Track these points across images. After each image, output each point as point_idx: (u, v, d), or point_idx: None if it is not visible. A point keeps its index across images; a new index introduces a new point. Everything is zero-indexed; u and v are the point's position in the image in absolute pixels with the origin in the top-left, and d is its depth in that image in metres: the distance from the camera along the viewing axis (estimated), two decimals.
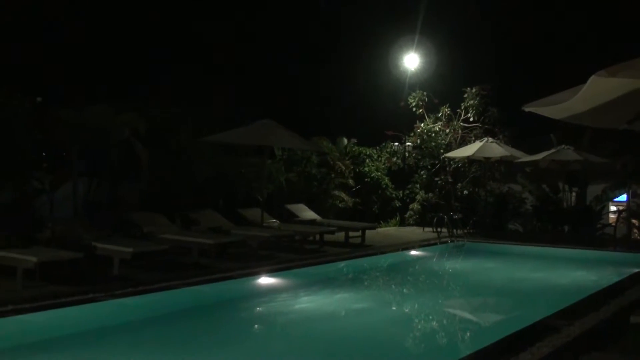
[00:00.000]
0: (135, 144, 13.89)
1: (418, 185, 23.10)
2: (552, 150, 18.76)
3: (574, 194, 20.80)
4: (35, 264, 9.50)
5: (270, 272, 11.80)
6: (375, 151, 24.02)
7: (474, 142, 20.89)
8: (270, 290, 11.35)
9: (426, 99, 22.89)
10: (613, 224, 19.15)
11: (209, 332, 8.84)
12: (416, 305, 11.55)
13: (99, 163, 14.20)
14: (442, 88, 23.25)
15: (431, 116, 22.87)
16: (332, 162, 21.60)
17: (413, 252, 16.30)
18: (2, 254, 9.91)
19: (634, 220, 20.04)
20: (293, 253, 14.37)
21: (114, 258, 11.01)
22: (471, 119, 22.19)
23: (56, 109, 13.42)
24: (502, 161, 20.93)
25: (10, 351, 7.24)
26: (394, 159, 23.71)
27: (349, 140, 23.30)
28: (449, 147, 22.02)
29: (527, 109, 8.84)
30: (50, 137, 13.01)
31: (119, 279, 10.51)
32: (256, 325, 9.84)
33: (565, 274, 14.60)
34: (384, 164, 23.74)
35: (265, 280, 11.47)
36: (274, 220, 16.31)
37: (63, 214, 13.41)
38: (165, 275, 10.74)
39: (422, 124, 22.82)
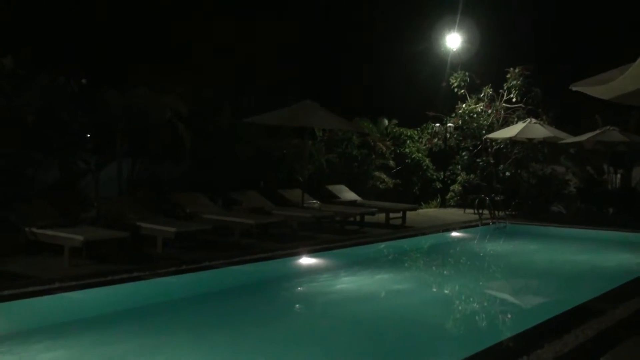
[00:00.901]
0: (178, 125, 14.02)
1: (459, 167, 22.95)
2: (597, 131, 18.46)
3: (619, 175, 20.46)
4: (81, 243, 9.69)
5: (311, 252, 11.85)
6: (416, 132, 23.88)
7: (516, 123, 20.69)
8: (311, 271, 11.41)
9: (468, 79, 22.72)
10: None
11: (250, 311, 8.92)
12: (457, 287, 11.50)
13: (143, 144, 14.36)
14: (484, 68, 23.00)
15: (473, 97, 22.67)
16: (372, 143, 21.55)
17: (454, 234, 16.22)
18: (49, 233, 10.13)
19: None
20: (333, 234, 14.42)
21: (157, 237, 11.18)
22: (514, 100, 21.97)
23: (101, 90, 13.61)
24: (545, 142, 20.67)
25: (57, 328, 7.41)
26: (435, 140, 23.55)
27: (389, 121, 23.20)
28: (491, 128, 21.84)
29: (574, 88, 8.70)
30: (94, 118, 13.20)
31: (162, 258, 10.68)
32: (297, 305, 9.91)
33: (610, 256, 14.41)
34: (425, 145, 23.61)
35: (305, 261, 11.52)
36: (315, 201, 16.35)
37: (108, 194, 13.63)
38: (208, 254, 10.87)
39: (463, 105, 22.66)
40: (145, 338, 7.45)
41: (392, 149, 22.49)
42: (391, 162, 22.14)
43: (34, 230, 10.28)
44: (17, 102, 11.57)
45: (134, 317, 8.12)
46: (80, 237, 9.73)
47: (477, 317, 9.57)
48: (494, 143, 22.14)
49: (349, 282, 11.10)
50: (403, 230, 15.84)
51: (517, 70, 21.84)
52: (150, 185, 14.61)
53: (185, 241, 11.80)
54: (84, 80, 13.30)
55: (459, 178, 22.72)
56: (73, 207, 12.23)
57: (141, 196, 13.74)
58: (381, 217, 16.69)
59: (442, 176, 23.37)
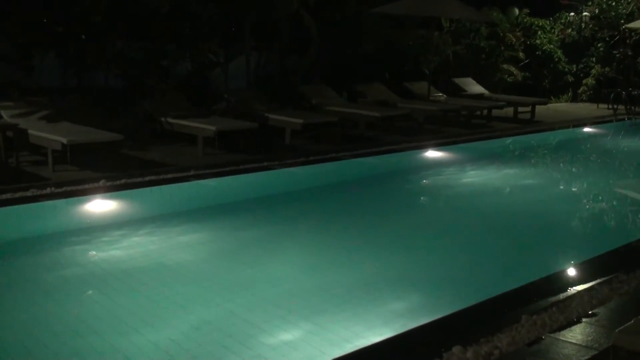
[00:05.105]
0: (304, 16, 14.02)
1: (594, 59, 21.88)
2: None
3: None
4: (214, 133, 10.07)
5: (436, 145, 11.84)
6: (548, 22, 22.78)
7: None
8: (436, 164, 11.43)
9: None
10: None
11: (376, 202, 9.13)
12: (585, 185, 11.22)
13: (270, 36, 14.50)
14: None
15: None
16: (501, 34, 20.77)
17: (585, 130, 15.69)
18: (183, 123, 10.59)
19: None
20: (459, 128, 14.29)
21: (285, 129, 11.45)
22: None
23: None
24: None
25: (192, 213, 7.89)
26: (569, 30, 22.42)
27: (520, 11, 22.19)
28: (631, 17, 20.55)
29: None
30: (224, 10, 13.37)
31: (290, 149, 10.97)
32: (422, 197, 10.04)
33: None
34: (558, 35, 22.54)
35: (431, 154, 11.54)
36: (441, 94, 16.15)
37: (237, 87, 13.99)
38: (334, 146, 11.06)
39: None
40: (274, 225, 7.82)
41: (522, 40, 21.60)
42: (520, 54, 21.33)
43: (170, 120, 10.77)
44: None
45: (264, 205, 8.50)
46: (212, 127, 10.11)
47: (604, 217, 9.36)
48: (633, 33, 20.89)
49: (474, 176, 11.08)
50: (532, 125, 15.46)
51: None
52: (277, 77, 14.84)
53: (311, 132, 12.01)
54: None
55: (593, 71, 21.70)
56: (204, 98, 12.67)
57: (269, 88, 14.01)
58: (509, 111, 16.31)
59: (574, 69, 22.36)
